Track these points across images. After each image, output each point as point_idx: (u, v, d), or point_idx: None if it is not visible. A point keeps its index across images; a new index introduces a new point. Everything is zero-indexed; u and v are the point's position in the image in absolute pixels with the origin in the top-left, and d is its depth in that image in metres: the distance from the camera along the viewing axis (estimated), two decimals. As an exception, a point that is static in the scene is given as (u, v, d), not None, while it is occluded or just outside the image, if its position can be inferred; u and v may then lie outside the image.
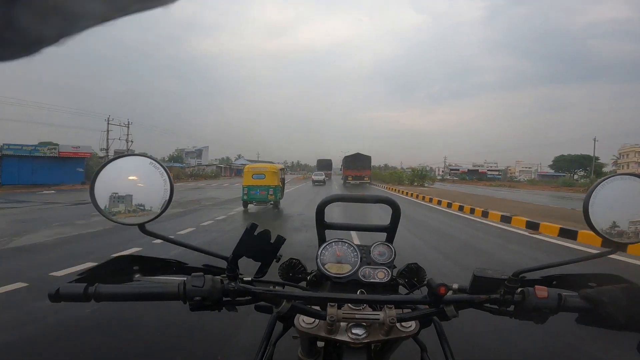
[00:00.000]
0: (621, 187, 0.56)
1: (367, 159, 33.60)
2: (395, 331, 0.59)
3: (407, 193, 17.89)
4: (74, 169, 22.05)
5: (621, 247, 0.56)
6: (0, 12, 0.16)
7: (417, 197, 15.44)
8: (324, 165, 46.91)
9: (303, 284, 0.79)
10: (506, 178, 67.89)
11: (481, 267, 0.62)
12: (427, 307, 0.59)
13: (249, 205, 10.20)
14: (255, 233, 0.62)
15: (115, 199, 0.56)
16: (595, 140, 45.00)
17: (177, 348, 2.10)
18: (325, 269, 0.73)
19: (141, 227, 0.57)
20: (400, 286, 0.78)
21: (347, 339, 0.58)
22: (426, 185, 27.27)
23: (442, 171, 74.54)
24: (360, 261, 0.73)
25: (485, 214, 8.75)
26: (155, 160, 0.57)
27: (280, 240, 0.64)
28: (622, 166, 50.04)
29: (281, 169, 11.45)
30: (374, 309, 0.61)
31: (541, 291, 0.57)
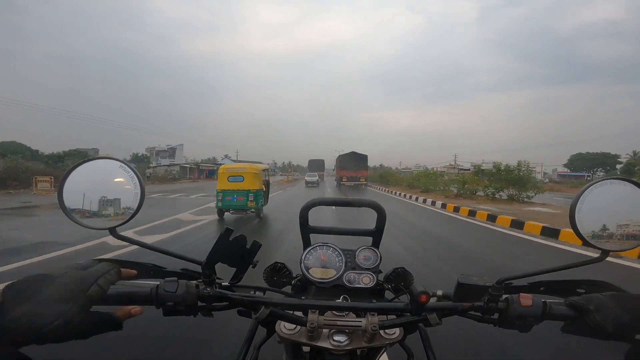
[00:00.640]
0: (610, 192, 0.55)
1: (364, 158, 30.80)
2: (379, 338, 0.59)
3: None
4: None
5: (609, 255, 0.55)
6: None
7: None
8: (316, 165, 45.45)
9: (288, 288, 0.77)
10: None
11: (466, 273, 0.61)
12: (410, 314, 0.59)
13: (226, 214, 8.51)
14: (231, 238, 0.60)
15: (85, 203, 0.55)
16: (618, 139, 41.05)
17: (156, 352, 2.10)
18: (310, 274, 0.72)
19: (112, 231, 0.56)
20: (387, 291, 0.77)
21: (329, 346, 0.58)
22: (526, 198, 13.51)
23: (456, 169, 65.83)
24: (345, 266, 0.73)
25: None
26: (125, 163, 0.57)
27: (256, 245, 0.63)
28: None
29: (264, 170, 9.61)
30: (357, 315, 0.60)
31: (525, 299, 0.57)
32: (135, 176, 0.56)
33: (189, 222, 7.63)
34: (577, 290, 0.62)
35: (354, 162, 29.84)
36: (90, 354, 1.90)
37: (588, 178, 47.53)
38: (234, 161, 49.87)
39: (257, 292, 0.66)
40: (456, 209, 10.47)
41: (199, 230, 6.73)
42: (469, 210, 9.69)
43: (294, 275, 0.78)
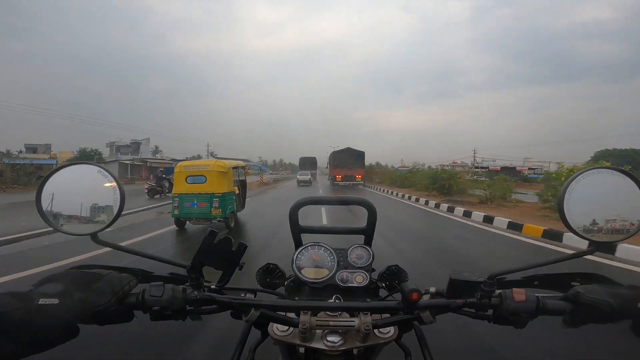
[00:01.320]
0: (598, 182, 0.55)
1: (360, 155, 27.60)
2: (373, 337, 0.59)
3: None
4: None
5: (600, 246, 0.55)
6: None
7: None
8: (308, 163, 42.71)
9: (281, 289, 0.78)
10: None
11: (458, 269, 0.61)
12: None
13: (187, 224, 6.95)
14: (216, 240, 0.61)
15: (64, 208, 0.56)
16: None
17: (149, 355, 2.12)
18: (302, 274, 0.72)
19: (93, 236, 0.57)
20: (381, 289, 0.77)
21: (323, 347, 0.58)
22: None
23: (473, 167, 53.37)
24: (338, 265, 0.73)
25: None
26: (103, 168, 0.58)
27: (242, 247, 0.63)
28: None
29: (236, 168, 7.84)
30: (351, 315, 0.60)
31: (519, 294, 0.57)
32: (114, 181, 0.57)
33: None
34: (572, 283, 0.62)
35: (349, 159, 26.61)
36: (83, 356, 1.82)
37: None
38: (220, 159, 42.21)
39: (248, 294, 0.66)
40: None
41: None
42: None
43: (287, 276, 0.79)
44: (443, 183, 13.84)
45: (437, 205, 11.39)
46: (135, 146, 45.52)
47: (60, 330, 0.48)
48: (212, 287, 0.63)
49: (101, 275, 0.56)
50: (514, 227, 6.96)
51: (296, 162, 46.84)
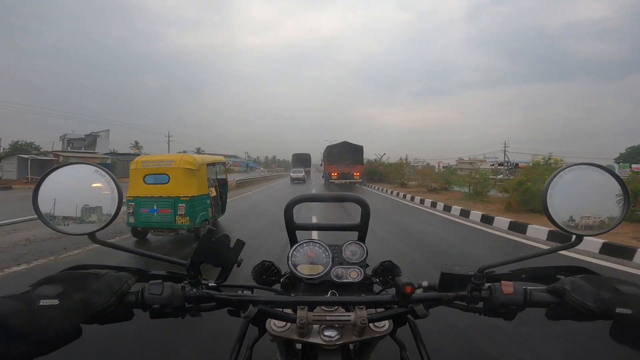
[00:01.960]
0: (580, 178, 0.57)
1: (358, 150, 24.16)
2: (369, 331, 0.61)
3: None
4: None
5: (582, 240, 0.58)
6: None
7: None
8: (301, 160, 41.62)
9: (277, 286, 0.80)
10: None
11: (449, 263, 0.63)
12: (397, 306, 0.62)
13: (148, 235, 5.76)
14: (213, 238, 0.62)
15: (61, 209, 0.57)
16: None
17: (148, 353, 2.14)
18: (297, 271, 0.74)
19: (91, 236, 0.58)
20: (375, 284, 0.79)
21: (320, 341, 0.59)
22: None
23: (503, 165, 46.45)
24: (332, 261, 0.75)
25: None
26: (100, 168, 0.59)
27: (240, 244, 0.64)
28: None
29: (212, 165, 6.43)
30: (347, 310, 0.62)
31: (507, 287, 0.59)
32: (111, 180, 0.58)
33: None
34: (557, 276, 0.64)
35: (346, 154, 23.35)
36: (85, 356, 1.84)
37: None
38: (199, 153, 35.71)
39: (245, 291, 0.68)
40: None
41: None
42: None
43: (283, 272, 0.81)
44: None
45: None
46: (91, 139, 39.00)
47: (64, 331, 0.49)
48: (210, 284, 0.65)
49: (99, 275, 0.57)
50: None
51: (290, 159, 45.95)
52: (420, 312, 0.58)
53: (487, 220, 7.56)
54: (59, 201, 0.57)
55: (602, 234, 0.58)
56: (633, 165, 33.98)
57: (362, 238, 0.81)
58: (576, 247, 0.60)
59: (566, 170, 0.57)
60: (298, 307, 0.59)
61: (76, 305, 0.51)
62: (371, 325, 0.61)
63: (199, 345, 2.23)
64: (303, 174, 30.72)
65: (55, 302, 0.48)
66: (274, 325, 0.62)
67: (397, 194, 15.40)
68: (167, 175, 5.35)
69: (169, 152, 44.67)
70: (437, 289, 0.63)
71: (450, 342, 2.24)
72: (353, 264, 0.75)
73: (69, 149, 35.04)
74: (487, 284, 0.61)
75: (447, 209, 9.72)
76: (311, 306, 0.60)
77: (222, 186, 6.98)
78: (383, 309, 0.63)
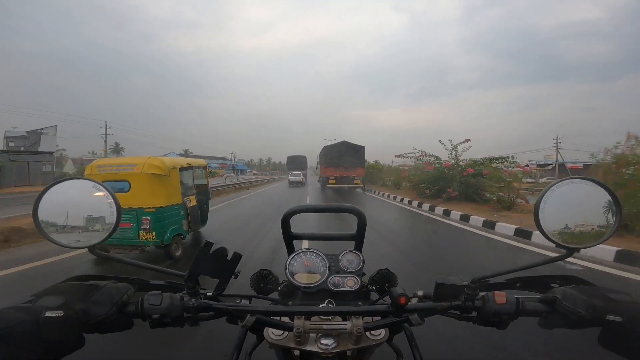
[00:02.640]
0: (572, 191, 0.59)
1: (359, 150, 20.99)
2: (365, 339, 0.62)
3: None
4: None
5: (574, 252, 0.60)
6: None
7: None
8: (297, 163, 41.42)
9: (275, 294, 0.81)
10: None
11: (444, 274, 0.65)
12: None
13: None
14: (211, 251, 0.64)
15: (61, 222, 0.59)
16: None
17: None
18: (295, 279, 0.76)
19: (91, 249, 0.60)
20: (372, 293, 0.81)
21: (318, 349, 0.60)
22: None
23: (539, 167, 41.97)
24: (329, 270, 0.77)
25: None
26: (98, 183, 0.61)
27: (237, 257, 0.66)
28: None
29: (188, 169, 5.47)
30: (343, 318, 0.63)
31: (500, 297, 0.61)
32: (109, 194, 0.60)
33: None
34: (552, 284, 0.66)
35: (345, 156, 20.23)
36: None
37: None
38: (184, 156, 33.85)
39: (243, 301, 0.70)
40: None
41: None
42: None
43: (280, 281, 0.82)
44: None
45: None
46: (35, 137, 32.76)
47: (68, 341, 0.52)
48: (209, 294, 0.66)
49: (99, 285, 0.59)
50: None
51: (284, 160, 45.58)
52: (415, 321, 0.60)
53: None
54: (59, 215, 0.59)
55: (593, 245, 0.60)
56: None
57: (358, 247, 0.83)
58: (587, 255, 0.63)
59: (558, 184, 0.60)
60: (295, 316, 0.61)
61: (78, 316, 0.53)
62: (367, 333, 0.62)
63: (198, 352, 2.27)
64: (301, 177, 30.64)
65: (60, 313, 0.51)
66: (272, 333, 0.64)
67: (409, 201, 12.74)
68: (128, 182, 4.46)
69: (105, 149, 41.15)
70: (432, 298, 0.66)
71: (446, 349, 2.28)
72: (350, 272, 0.77)
73: (5, 149, 29.44)
74: (480, 294, 0.63)
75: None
76: (308, 315, 0.62)
77: (202, 193, 6.09)
78: (379, 318, 0.64)
